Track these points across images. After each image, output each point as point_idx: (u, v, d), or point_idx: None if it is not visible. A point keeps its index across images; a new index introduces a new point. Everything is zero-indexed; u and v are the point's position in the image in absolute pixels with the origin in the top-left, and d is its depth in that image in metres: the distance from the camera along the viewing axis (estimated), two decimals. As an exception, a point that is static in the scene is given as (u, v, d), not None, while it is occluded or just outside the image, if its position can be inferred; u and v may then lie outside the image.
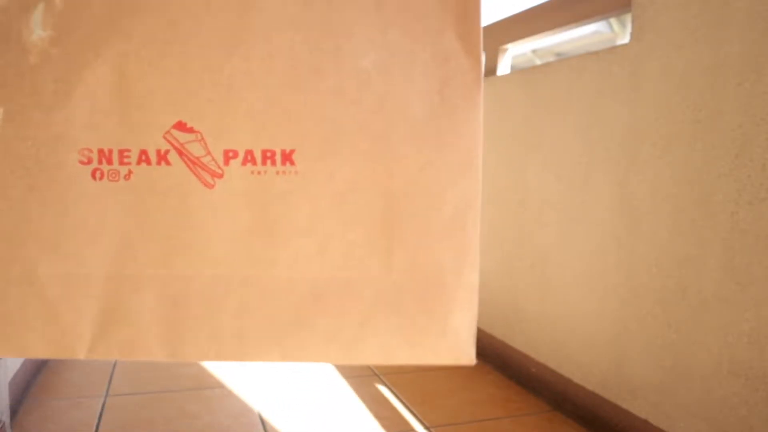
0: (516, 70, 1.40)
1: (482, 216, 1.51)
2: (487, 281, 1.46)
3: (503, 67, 1.50)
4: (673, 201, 0.92)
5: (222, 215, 0.48)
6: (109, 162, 0.47)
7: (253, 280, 0.48)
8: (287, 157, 0.47)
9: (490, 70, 1.52)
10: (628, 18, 1.05)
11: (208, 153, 0.47)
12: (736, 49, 0.82)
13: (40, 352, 0.48)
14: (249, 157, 0.47)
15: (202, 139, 0.47)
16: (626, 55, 1.02)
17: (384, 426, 1.07)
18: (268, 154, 0.47)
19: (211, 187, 0.47)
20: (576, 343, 1.14)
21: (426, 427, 1.08)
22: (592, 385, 1.10)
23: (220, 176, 0.47)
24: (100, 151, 0.47)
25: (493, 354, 1.43)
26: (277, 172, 0.47)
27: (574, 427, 1.11)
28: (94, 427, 1.03)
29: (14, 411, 1.04)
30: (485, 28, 1.56)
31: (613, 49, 1.05)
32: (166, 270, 0.48)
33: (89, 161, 0.47)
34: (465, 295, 0.51)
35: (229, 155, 0.47)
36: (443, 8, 0.47)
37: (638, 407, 0.99)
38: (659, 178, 0.95)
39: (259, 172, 0.47)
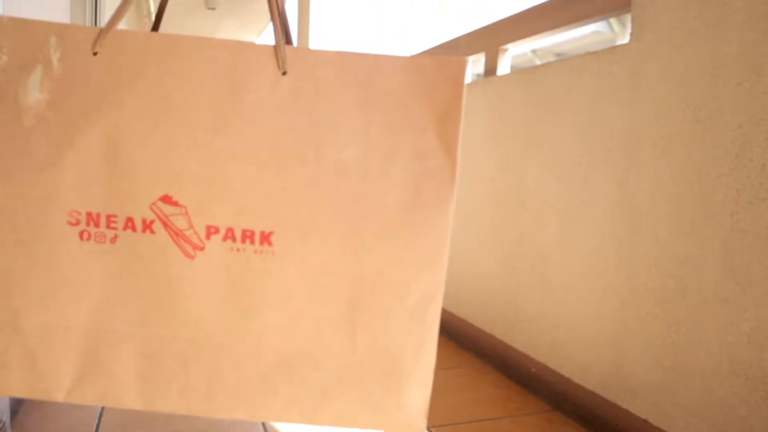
0: (516, 70, 1.40)
1: (482, 216, 1.51)
2: (487, 281, 1.46)
3: (503, 67, 1.50)
4: (673, 201, 0.92)
5: (200, 285, 0.50)
6: (97, 225, 0.49)
7: (225, 345, 0.51)
8: (265, 238, 0.50)
9: (490, 70, 1.52)
10: (628, 18, 1.05)
11: (191, 227, 0.49)
12: (736, 50, 0.82)
13: (19, 393, 0.50)
14: (229, 235, 0.49)
15: (186, 213, 0.49)
16: (626, 55, 1.02)
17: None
18: (248, 234, 0.49)
19: (192, 258, 0.50)
20: (576, 343, 1.14)
21: (426, 427, 1.08)
22: (592, 385, 1.10)
23: (201, 249, 0.49)
24: (89, 215, 0.49)
25: (493, 354, 1.43)
26: (255, 251, 0.50)
27: (574, 427, 1.11)
28: (94, 427, 1.03)
29: (14, 411, 1.04)
30: (485, 28, 1.56)
31: (613, 49, 1.05)
32: (143, 328, 0.50)
33: (77, 223, 0.49)
34: (420, 375, 0.53)
35: (210, 231, 0.49)
36: (427, 109, 0.49)
37: (638, 407, 0.99)
38: (659, 178, 0.95)
39: (237, 249, 0.50)
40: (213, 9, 4.95)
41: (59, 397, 0.50)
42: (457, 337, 1.60)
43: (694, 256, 0.88)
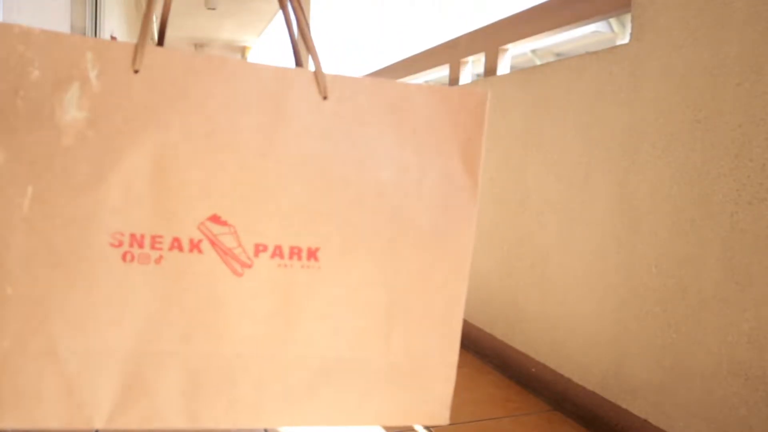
0: (516, 70, 1.40)
1: (482, 216, 1.51)
2: (487, 281, 1.46)
3: (503, 67, 1.50)
4: (673, 201, 0.92)
5: (248, 301, 0.51)
6: (141, 246, 0.48)
7: (271, 357, 0.53)
8: (312, 254, 0.52)
9: (490, 70, 1.52)
10: (628, 18, 1.05)
11: (240, 245, 0.50)
12: (736, 50, 0.82)
13: (55, 424, 0.49)
14: (277, 252, 0.51)
15: (235, 232, 0.50)
16: (626, 55, 1.02)
17: (384, 426, 1.07)
18: (295, 250, 0.51)
19: (240, 275, 0.50)
20: (576, 343, 1.14)
21: (426, 427, 1.08)
22: (592, 385, 1.10)
23: (249, 266, 0.50)
24: (132, 236, 0.48)
25: (493, 354, 1.43)
26: (302, 266, 0.52)
27: (573, 426, 1.11)
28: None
29: (14, 411, 1.03)
30: (485, 28, 1.56)
31: (613, 49, 1.06)
32: (189, 346, 0.50)
33: (120, 244, 0.48)
34: (446, 371, 0.58)
35: (259, 248, 0.50)
36: (452, 135, 0.54)
37: (638, 407, 0.99)
38: (659, 178, 0.95)
39: (285, 266, 0.51)
40: (213, 9, 4.96)
41: (99, 424, 0.50)
42: (457, 337, 1.60)
43: (694, 256, 0.88)
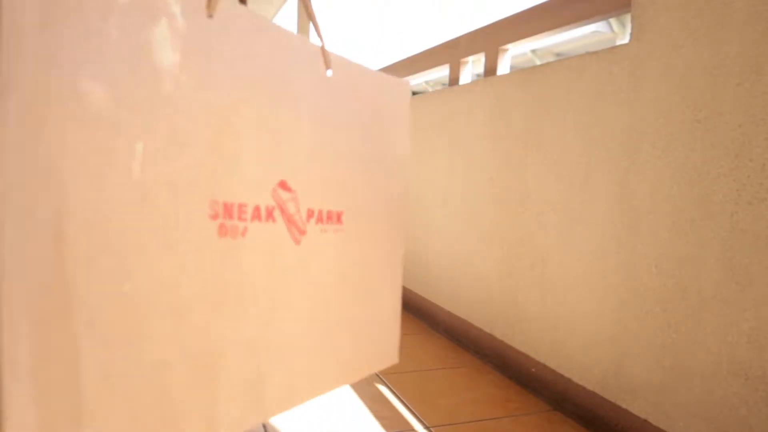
0: (516, 70, 1.40)
1: (482, 216, 1.51)
2: (487, 281, 1.46)
3: (503, 67, 1.50)
4: (673, 201, 0.92)
5: (304, 271, 0.51)
6: (230, 217, 0.42)
7: (321, 327, 0.54)
8: (339, 217, 0.55)
9: (490, 70, 1.52)
10: (628, 18, 1.05)
11: (298, 212, 0.49)
12: (736, 50, 0.82)
13: None
14: (320, 216, 0.52)
15: (296, 198, 0.49)
16: (626, 55, 1.02)
17: (384, 426, 1.07)
18: (331, 214, 0.54)
19: (299, 244, 0.50)
20: (576, 343, 1.14)
21: (426, 427, 1.07)
22: (592, 385, 1.10)
23: (304, 233, 0.50)
24: (225, 205, 0.42)
25: (493, 354, 1.43)
26: (335, 230, 0.54)
27: (574, 426, 1.11)
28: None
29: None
30: (485, 28, 1.56)
31: (613, 49, 1.06)
32: (270, 330, 0.47)
33: (216, 216, 0.41)
34: (395, 315, 0.65)
35: (310, 214, 0.51)
36: (401, 116, 0.62)
37: (638, 407, 0.99)
38: (659, 178, 0.95)
39: (324, 230, 0.53)
40: (213, 9, 4.95)
41: None
42: (457, 337, 1.60)
43: (694, 256, 0.88)
